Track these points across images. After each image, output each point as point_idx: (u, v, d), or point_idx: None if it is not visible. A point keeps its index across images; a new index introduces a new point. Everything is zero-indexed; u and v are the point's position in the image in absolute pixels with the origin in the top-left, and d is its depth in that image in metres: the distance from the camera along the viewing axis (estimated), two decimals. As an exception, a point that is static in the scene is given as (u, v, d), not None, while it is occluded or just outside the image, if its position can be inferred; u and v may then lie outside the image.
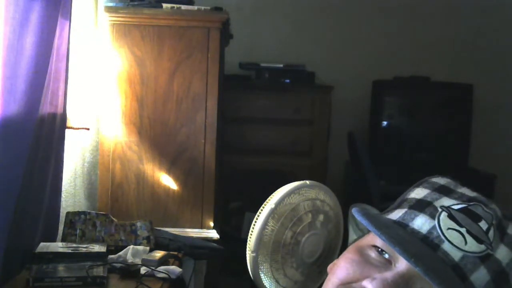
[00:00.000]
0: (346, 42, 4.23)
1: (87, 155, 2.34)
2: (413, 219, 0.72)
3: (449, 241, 0.68)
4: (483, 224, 0.69)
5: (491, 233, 0.69)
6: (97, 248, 1.79)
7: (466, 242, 0.68)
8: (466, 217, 0.70)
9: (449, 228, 0.69)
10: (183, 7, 2.31)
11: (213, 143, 2.29)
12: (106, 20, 2.26)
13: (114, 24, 2.26)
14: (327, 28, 4.22)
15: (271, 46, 4.13)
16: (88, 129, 2.28)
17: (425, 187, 0.76)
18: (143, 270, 1.77)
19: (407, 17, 4.25)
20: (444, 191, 0.74)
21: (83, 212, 2.00)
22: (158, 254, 1.89)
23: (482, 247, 0.68)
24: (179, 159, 2.29)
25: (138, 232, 2.01)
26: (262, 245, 1.12)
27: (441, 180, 0.77)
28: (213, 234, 2.27)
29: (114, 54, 2.25)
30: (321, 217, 1.17)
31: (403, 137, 4.09)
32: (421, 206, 0.73)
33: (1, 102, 1.48)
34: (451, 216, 0.70)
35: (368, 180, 3.49)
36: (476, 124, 4.05)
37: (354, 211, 0.73)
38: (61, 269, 1.65)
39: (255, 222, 1.16)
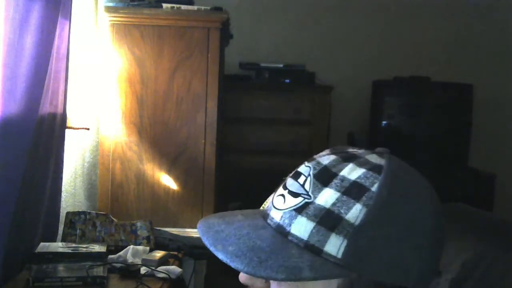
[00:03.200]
0: (346, 42, 4.23)
1: (87, 155, 2.34)
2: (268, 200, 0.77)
3: (274, 207, 0.72)
4: (301, 179, 0.72)
5: (307, 184, 0.70)
6: (97, 248, 1.79)
7: (285, 201, 0.71)
8: (292, 179, 0.73)
9: (278, 195, 0.73)
10: (183, 7, 2.31)
11: (213, 143, 2.29)
12: (106, 20, 2.26)
13: (114, 24, 2.26)
14: (327, 28, 4.22)
15: (271, 46, 4.13)
16: (88, 129, 2.28)
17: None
18: (143, 270, 1.78)
19: (407, 17, 4.25)
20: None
21: (83, 212, 2.00)
22: (158, 254, 1.89)
23: (299, 200, 0.70)
24: (179, 159, 2.29)
25: (138, 232, 2.01)
26: (262, 245, 1.11)
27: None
28: (213, 234, 2.26)
29: (114, 54, 2.25)
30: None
31: (403, 137, 4.09)
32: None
33: (1, 102, 1.48)
34: (284, 185, 0.74)
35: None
36: (476, 124, 4.05)
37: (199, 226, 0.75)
38: (61, 269, 1.65)
39: (255, 222, 1.15)
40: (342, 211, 0.67)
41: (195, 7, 2.34)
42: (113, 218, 2.03)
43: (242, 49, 3.77)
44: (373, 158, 0.72)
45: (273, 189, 1.21)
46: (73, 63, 2.03)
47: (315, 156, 0.75)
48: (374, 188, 0.68)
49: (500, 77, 4.26)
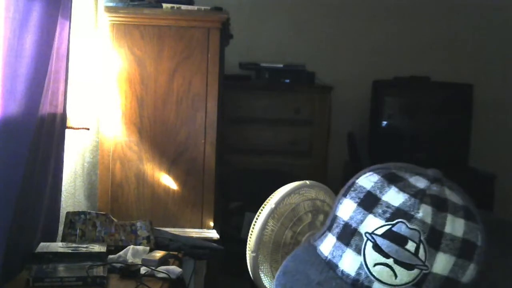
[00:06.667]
0: (346, 42, 4.23)
1: (87, 155, 2.34)
2: (341, 256, 0.69)
3: (378, 279, 0.66)
4: (411, 246, 0.65)
5: (421, 252, 0.65)
6: (97, 248, 1.79)
7: (396, 276, 0.65)
8: (391, 243, 0.66)
9: (376, 264, 0.66)
10: (183, 7, 2.31)
11: (213, 143, 2.29)
12: (106, 20, 2.26)
13: (114, 24, 2.26)
14: (327, 28, 4.22)
15: (271, 46, 4.13)
16: (88, 129, 2.28)
17: (352, 198, 0.72)
18: (143, 270, 1.78)
19: (407, 17, 4.25)
20: (369, 204, 0.70)
21: (83, 212, 2.00)
22: (158, 254, 1.89)
23: (415, 272, 0.65)
24: (179, 159, 2.29)
25: (138, 232, 2.01)
26: (262, 245, 1.12)
27: (367, 184, 0.71)
28: (213, 234, 2.27)
29: (114, 54, 2.25)
30: (321, 217, 1.17)
31: (403, 137, 4.09)
32: (347, 236, 0.69)
33: (1, 102, 1.48)
34: (376, 247, 0.66)
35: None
36: (476, 124, 4.05)
37: (277, 278, 0.71)
38: (61, 269, 1.65)
39: (255, 222, 1.16)
40: (459, 275, 0.66)
41: (195, 7, 2.34)
42: (113, 218, 2.03)
43: (242, 49, 3.77)
44: (451, 195, 0.70)
45: (273, 189, 1.21)
46: (73, 63, 2.03)
47: (400, 206, 0.67)
48: (479, 243, 0.68)
49: (500, 77, 4.26)
